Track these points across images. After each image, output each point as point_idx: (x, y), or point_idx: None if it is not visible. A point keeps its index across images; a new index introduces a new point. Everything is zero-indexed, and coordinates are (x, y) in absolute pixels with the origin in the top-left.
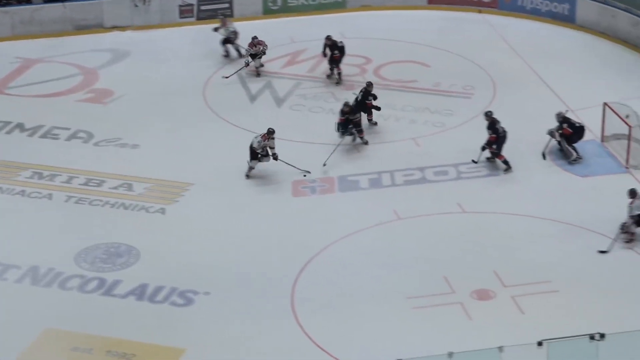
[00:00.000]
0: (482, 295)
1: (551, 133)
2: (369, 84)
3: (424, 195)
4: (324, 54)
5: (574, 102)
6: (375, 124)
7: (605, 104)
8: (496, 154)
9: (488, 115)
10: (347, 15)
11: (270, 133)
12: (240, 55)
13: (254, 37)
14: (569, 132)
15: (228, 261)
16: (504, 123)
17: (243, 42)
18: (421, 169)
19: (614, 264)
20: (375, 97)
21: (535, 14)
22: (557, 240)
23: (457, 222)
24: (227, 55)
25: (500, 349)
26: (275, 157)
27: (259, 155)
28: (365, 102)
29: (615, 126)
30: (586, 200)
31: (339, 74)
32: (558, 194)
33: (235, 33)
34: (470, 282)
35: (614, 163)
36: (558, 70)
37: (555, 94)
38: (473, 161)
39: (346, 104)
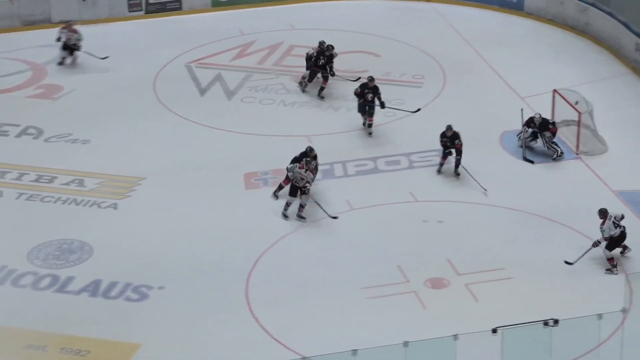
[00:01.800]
0: (436, 283)
1: (542, 136)
2: (371, 79)
3: (377, 186)
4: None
5: (524, 90)
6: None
7: (554, 90)
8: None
9: (449, 128)
10: (297, 6)
11: (309, 157)
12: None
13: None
14: (555, 130)
15: (182, 255)
16: (454, 112)
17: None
18: (373, 159)
19: (565, 250)
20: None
21: (483, 2)
22: (510, 228)
23: (410, 211)
24: (61, 63)
25: (455, 337)
26: (307, 191)
27: (300, 192)
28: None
29: (565, 113)
30: (538, 187)
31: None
32: (510, 181)
33: (79, 39)
34: (424, 271)
35: (564, 149)
36: (507, 58)
37: (505, 82)
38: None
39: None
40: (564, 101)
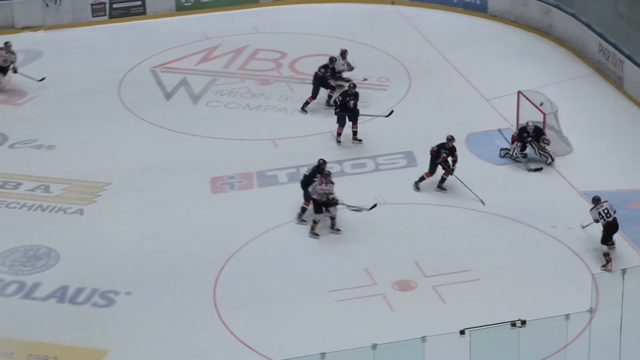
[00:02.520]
0: (404, 286)
1: (532, 144)
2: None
3: (343, 189)
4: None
5: (488, 91)
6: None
7: (519, 92)
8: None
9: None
10: (261, 10)
11: (324, 173)
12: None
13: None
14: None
15: (149, 260)
16: (420, 114)
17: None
18: (339, 162)
19: (532, 251)
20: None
21: (447, 4)
22: (476, 229)
23: (376, 213)
24: None
25: (424, 339)
26: (336, 202)
27: (324, 208)
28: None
29: (530, 114)
30: (503, 189)
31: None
32: (475, 183)
33: (14, 61)
34: (392, 274)
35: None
36: (472, 60)
37: (470, 84)
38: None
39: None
40: (528, 102)
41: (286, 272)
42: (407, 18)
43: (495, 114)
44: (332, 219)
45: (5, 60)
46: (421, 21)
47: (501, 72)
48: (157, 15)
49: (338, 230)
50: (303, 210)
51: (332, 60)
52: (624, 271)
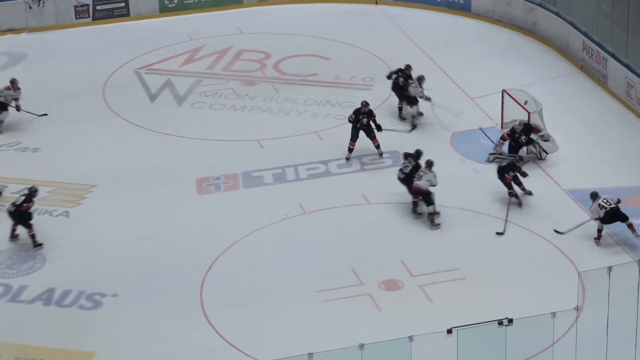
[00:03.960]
0: (391, 285)
1: (523, 142)
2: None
3: (329, 189)
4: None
5: (473, 90)
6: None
7: (503, 90)
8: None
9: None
10: (245, 10)
11: (428, 162)
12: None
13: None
14: (537, 131)
15: (135, 262)
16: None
17: None
18: (325, 162)
19: (520, 249)
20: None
21: (431, 3)
22: (463, 228)
23: (362, 213)
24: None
25: (411, 338)
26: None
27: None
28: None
29: (515, 112)
30: (489, 187)
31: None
32: (461, 182)
33: (17, 98)
34: (378, 273)
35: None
36: (456, 59)
37: (455, 83)
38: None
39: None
40: (513, 101)
41: (273, 272)
42: (391, 17)
43: (480, 112)
44: (434, 213)
45: (7, 98)
46: (405, 21)
47: (485, 71)
48: (140, 17)
49: (438, 224)
50: (415, 204)
51: (408, 67)
52: (610, 268)
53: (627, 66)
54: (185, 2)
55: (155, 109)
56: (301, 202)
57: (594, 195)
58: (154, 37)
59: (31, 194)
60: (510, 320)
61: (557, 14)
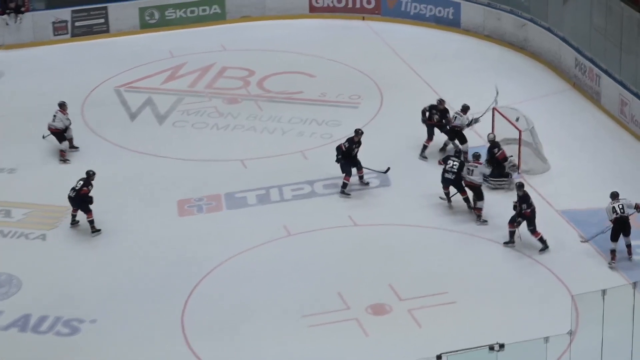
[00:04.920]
0: (378, 310)
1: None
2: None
3: (314, 210)
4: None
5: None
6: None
7: (494, 108)
8: (532, 230)
9: (520, 187)
10: (227, 26)
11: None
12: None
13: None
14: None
15: (114, 286)
16: (392, 131)
17: None
18: (310, 183)
19: (511, 272)
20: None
21: (419, 19)
22: (452, 250)
23: (349, 235)
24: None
25: None
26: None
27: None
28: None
29: (506, 130)
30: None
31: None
32: (451, 202)
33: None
34: (366, 297)
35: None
36: (445, 76)
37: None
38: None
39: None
40: (504, 119)
41: (257, 296)
42: (378, 33)
43: (469, 131)
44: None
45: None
46: (393, 37)
47: (475, 88)
48: (120, 33)
49: (485, 221)
50: (467, 200)
51: (441, 102)
52: (604, 291)
53: (621, 83)
54: (166, 18)
55: (136, 128)
56: (286, 223)
57: (614, 195)
58: (134, 54)
59: (89, 177)
60: (502, 346)
61: (548, 29)
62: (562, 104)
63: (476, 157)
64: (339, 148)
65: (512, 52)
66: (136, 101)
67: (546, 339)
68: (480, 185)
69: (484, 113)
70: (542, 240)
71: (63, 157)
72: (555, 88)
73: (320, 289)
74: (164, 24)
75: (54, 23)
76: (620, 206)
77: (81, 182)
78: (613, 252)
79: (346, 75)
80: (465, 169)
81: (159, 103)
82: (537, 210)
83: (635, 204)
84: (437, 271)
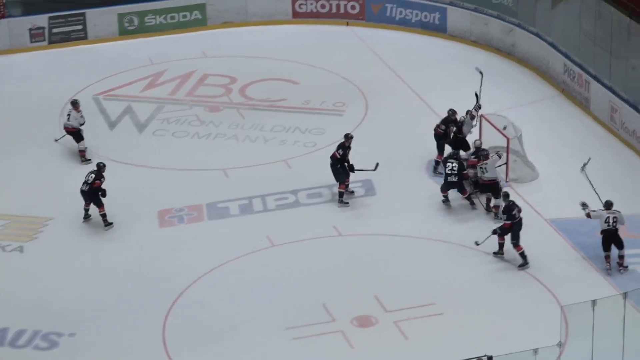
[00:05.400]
0: (364, 322)
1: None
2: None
3: (298, 220)
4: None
5: None
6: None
7: (482, 115)
8: (514, 244)
9: (506, 197)
10: (209, 32)
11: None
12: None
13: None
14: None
15: (93, 299)
16: (377, 139)
17: None
18: (294, 192)
19: (499, 282)
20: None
21: (405, 24)
22: (438, 260)
23: (334, 246)
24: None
25: None
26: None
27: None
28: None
29: (493, 138)
30: (467, 217)
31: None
32: (436, 212)
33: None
34: (351, 309)
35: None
36: (431, 83)
37: (430, 107)
38: (476, 243)
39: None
40: (491, 126)
41: (239, 309)
42: (363, 39)
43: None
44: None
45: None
46: (378, 42)
47: (461, 94)
48: (99, 40)
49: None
50: (470, 198)
51: (453, 112)
52: (594, 302)
53: (611, 89)
54: (146, 24)
55: (115, 136)
56: (269, 234)
57: (609, 205)
58: (113, 61)
59: (100, 169)
60: (490, 358)
61: (537, 34)
62: (550, 110)
63: (485, 155)
64: (333, 157)
65: (500, 57)
66: (115, 109)
67: (535, 351)
68: (498, 182)
69: (478, 100)
70: (522, 255)
71: (84, 157)
72: (544, 94)
73: (305, 301)
74: (144, 30)
75: (30, 30)
76: (614, 218)
77: (93, 175)
78: (607, 257)
79: (330, 82)
80: (478, 169)
81: (139, 111)
82: (525, 220)
83: (620, 219)
84: (424, 282)
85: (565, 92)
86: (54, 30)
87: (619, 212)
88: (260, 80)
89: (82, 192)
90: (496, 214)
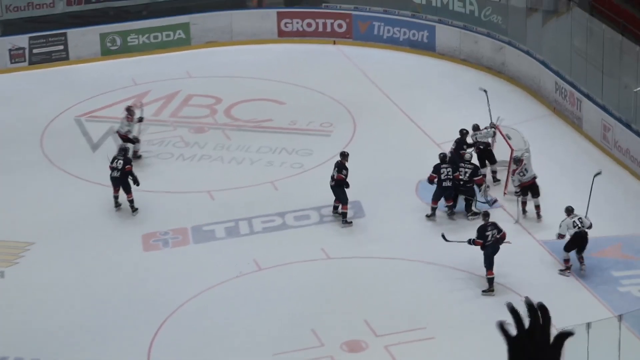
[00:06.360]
0: (354, 346)
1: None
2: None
3: (286, 243)
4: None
5: (438, 135)
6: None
7: (496, 126)
8: (485, 266)
9: (486, 216)
10: (193, 52)
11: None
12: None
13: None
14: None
15: (76, 325)
16: (365, 159)
17: None
18: (281, 215)
19: (490, 305)
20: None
21: (393, 43)
22: (429, 283)
23: (322, 269)
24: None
25: None
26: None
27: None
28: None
29: (505, 151)
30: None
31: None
32: (425, 233)
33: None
34: (340, 334)
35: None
36: (420, 102)
37: (419, 127)
38: (443, 236)
39: None
40: (506, 137)
41: (226, 334)
42: (351, 58)
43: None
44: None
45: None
46: (365, 61)
47: (451, 114)
48: (81, 60)
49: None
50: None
51: (464, 133)
52: (588, 325)
53: (603, 108)
54: (129, 44)
55: (98, 159)
56: (256, 257)
57: (569, 211)
58: (95, 82)
59: (125, 152)
60: None
61: (527, 52)
62: (542, 129)
63: (517, 161)
64: (339, 179)
65: (490, 76)
66: (98, 131)
67: None
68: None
69: (491, 115)
70: (490, 281)
71: (137, 155)
72: (535, 113)
73: (293, 326)
74: (126, 50)
75: (10, 50)
76: (580, 220)
77: (121, 160)
78: (567, 260)
79: (317, 102)
80: (516, 176)
81: None
82: (516, 240)
83: (590, 223)
84: (414, 305)
85: (557, 111)
86: (35, 51)
87: (580, 216)
88: (245, 101)
89: (114, 179)
90: (539, 214)
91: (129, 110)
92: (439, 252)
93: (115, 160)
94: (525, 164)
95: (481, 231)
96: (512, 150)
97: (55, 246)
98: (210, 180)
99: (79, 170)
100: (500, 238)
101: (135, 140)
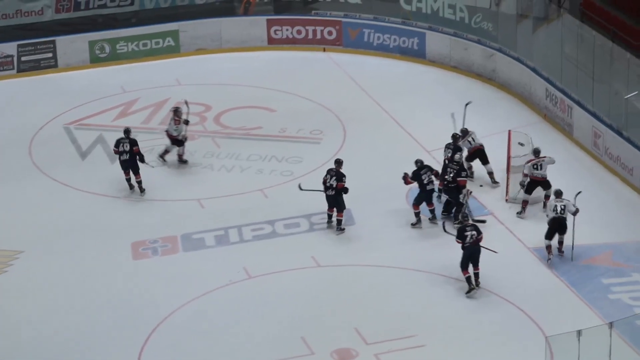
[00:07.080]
0: (344, 355)
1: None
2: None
3: (276, 251)
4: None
5: (429, 142)
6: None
7: (509, 131)
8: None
9: (465, 217)
10: (182, 60)
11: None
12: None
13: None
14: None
15: (64, 335)
16: (355, 167)
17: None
18: (271, 222)
19: (482, 313)
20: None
21: (383, 50)
22: (420, 291)
23: (312, 277)
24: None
25: None
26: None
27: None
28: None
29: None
30: (448, 246)
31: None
32: (415, 240)
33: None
34: (330, 342)
35: (476, 204)
36: (410, 109)
37: (409, 134)
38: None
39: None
40: (514, 142)
41: (215, 343)
42: (340, 65)
43: (437, 166)
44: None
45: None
46: (355, 69)
47: (441, 121)
48: (69, 68)
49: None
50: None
51: (456, 139)
52: (579, 332)
53: (594, 114)
54: (118, 51)
55: (86, 167)
56: (246, 265)
57: (558, 194)
58: (84, 90)
59: (129, 133)
60: None
61: (518, 59)
62: (533, 136)
63: (536, 152)
64: (339, 187)
65: (480, 83)
66: (87, 139)
67: None
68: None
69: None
70: (467, 280)
71: (181, 160)
72: (526, 120)
73: (283, 334)
74: (115, 57)
75: None
76: (563, 207)
77: (127, 143)
78: (548, 247)
79: (307, 110)
80: (531, 167)
81: (111, 141)
82: (507, 248)
83: (576, 209)
84: (404, 313)
85: (548, 118)
86: (23, 59)
87: (568, 200)
88: (235, 108)
89: (123, 162)
90: (545, 204)
91: (176, 112)
92: (429, 259)
93: (121, 144)
94: (543, 161)
95: (461, 232)
96: (509, 156)
97: (44, 254)
98: (199, 188)
99: (68, 178)
100: (478, 240)
101: (184, 140)
